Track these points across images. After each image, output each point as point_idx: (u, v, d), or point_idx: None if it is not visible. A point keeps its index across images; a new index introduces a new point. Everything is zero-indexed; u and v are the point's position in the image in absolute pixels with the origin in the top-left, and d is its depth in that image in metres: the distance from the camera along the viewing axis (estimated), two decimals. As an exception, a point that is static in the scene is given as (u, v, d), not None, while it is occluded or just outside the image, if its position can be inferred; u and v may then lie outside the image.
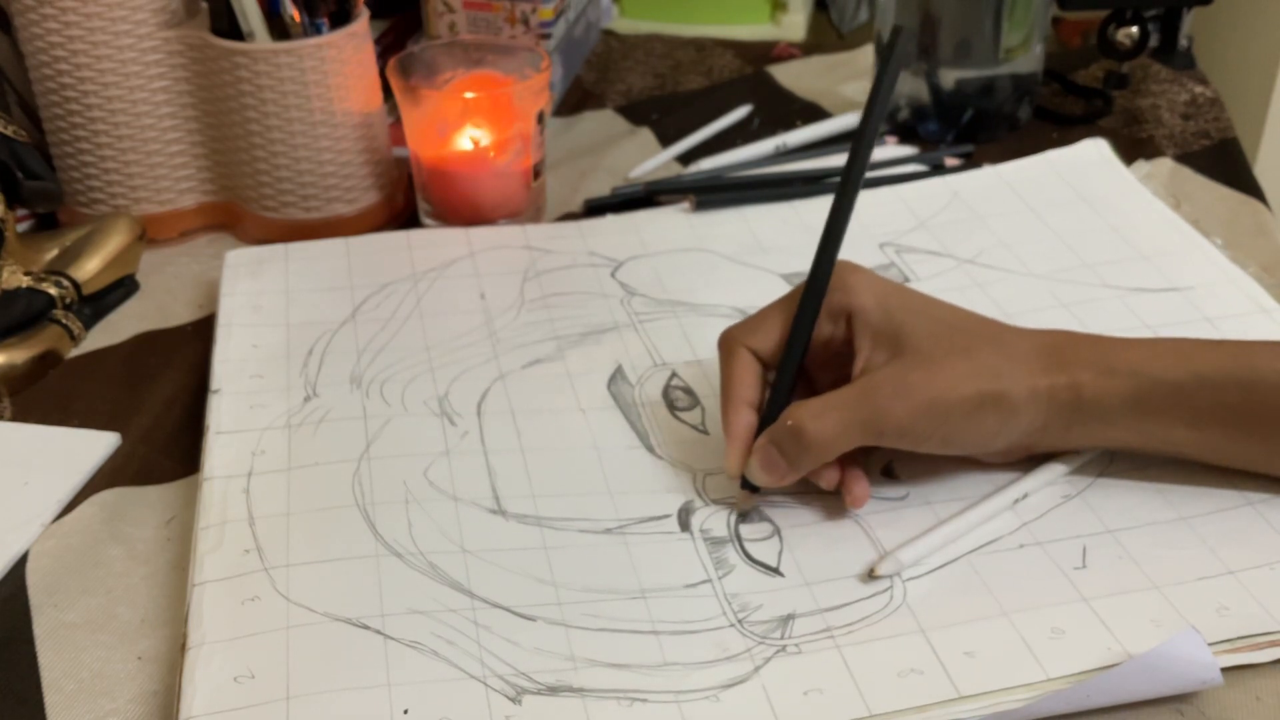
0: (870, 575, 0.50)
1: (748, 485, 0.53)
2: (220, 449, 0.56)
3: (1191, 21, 0.93)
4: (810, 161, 0.82)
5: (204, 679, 0.45)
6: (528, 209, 0.76)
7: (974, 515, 0.52)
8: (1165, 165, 0.80)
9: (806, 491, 0.54)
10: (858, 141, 0.55)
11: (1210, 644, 0.44)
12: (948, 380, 0.50)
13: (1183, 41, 0.92)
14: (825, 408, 0.50)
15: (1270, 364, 0.50)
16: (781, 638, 0.47)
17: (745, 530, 0.52)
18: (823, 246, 0.54)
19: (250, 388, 0.61)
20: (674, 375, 0.62)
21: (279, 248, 0.72)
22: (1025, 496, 0.53)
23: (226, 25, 0.70)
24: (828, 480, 0.52)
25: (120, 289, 0.71)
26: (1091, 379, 0.50)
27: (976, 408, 0.50)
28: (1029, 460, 0.54)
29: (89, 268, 0.69)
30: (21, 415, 0.62)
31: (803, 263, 0.70)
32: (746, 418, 0.53)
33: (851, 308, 0.53)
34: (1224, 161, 0.81)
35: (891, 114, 0.86)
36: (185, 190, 0.76)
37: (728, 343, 0.55)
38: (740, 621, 0.48)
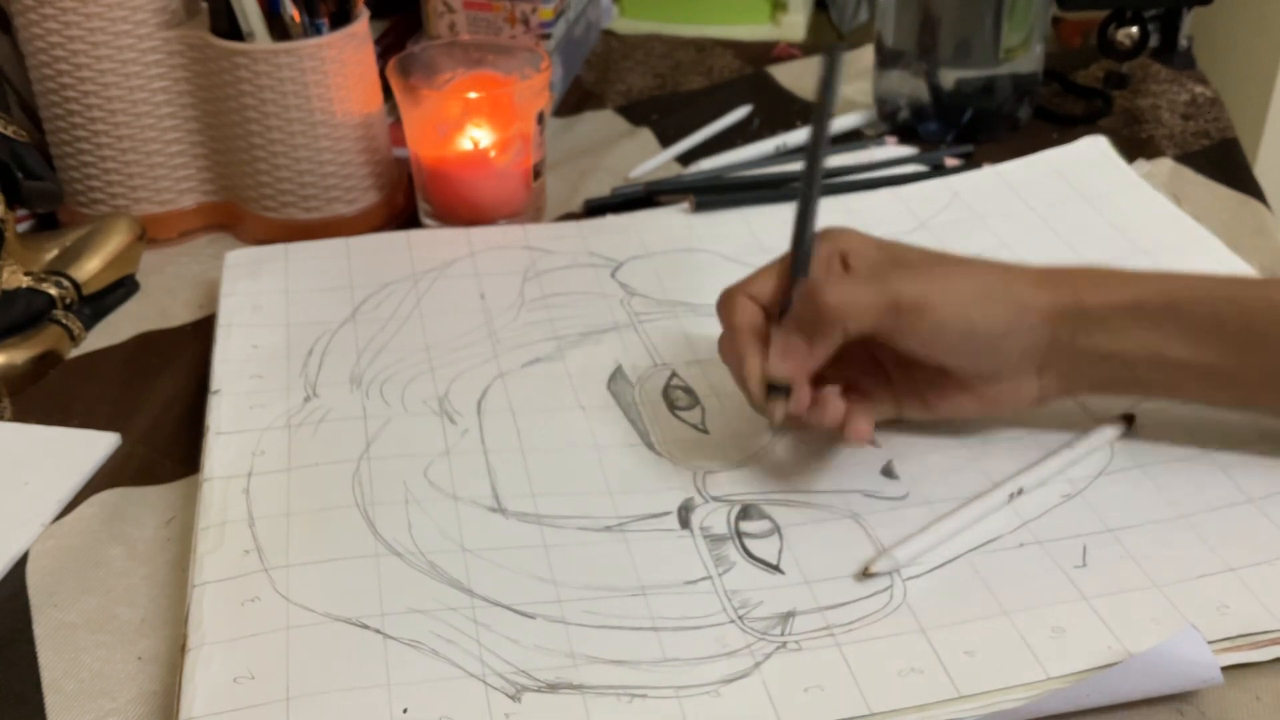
0: (865, 574, 0.50)
1: (776, 391, 0.52)
2: (220, 449, 0.56)
3: (1191, 21, 0.93)
4: (810, 161, 0.82)
5: (204, 680, 0.45)
6: (528, 209, 0.76)
7: (971, 511, 0.52)
8: (1165, 165, 0.80)
9: (807, 489, 0.54)
10: (810, 161, 0.54)
11: (1210, 642, 0.44)
12: (955, 274, 0.51)
13: (1183, 41, 0.92)
14: (840, 280, 0.51)
15: (1266, 293, 0.51)
16: (782, 634, 0.47)
17: (745, 527, 0.52)
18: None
19: (250, 388, 0.60)
20: (674, 375, 0.62)
21: (279, 248, 0.72)
22: (1020, 492, 0.53)
23: (226, 25, 0.70)
24: (832, 412, 0.52)
25: (120, 289, 0.71)
26: (1091, 289, 0.52)
27: (985, 294, 0.51)
28: (1027, 456, 0.54)
29: (89, 268, 0.69)
30: (21, 415, 0.62)
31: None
32: (758, 347, 0.53)
33: (846, 249, 0.54)
34: (1224, 161, 0.81)
35: (891, 114, 0.86)
36: (185, 190, 0.76)
37: (727, 294, 0.55)
38: (740, 618, 0.48)
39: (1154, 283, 0.52)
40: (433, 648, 0.46)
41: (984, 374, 0.53)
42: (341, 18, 0.72)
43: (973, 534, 0.51)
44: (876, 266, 0.53)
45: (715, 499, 0.54)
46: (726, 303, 0.55)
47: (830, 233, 0.55)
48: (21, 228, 0.75)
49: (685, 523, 0.53)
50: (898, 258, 0.54)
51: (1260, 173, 0.82)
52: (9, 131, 0.69)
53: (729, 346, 0.55)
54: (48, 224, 0.77)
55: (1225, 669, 0.44)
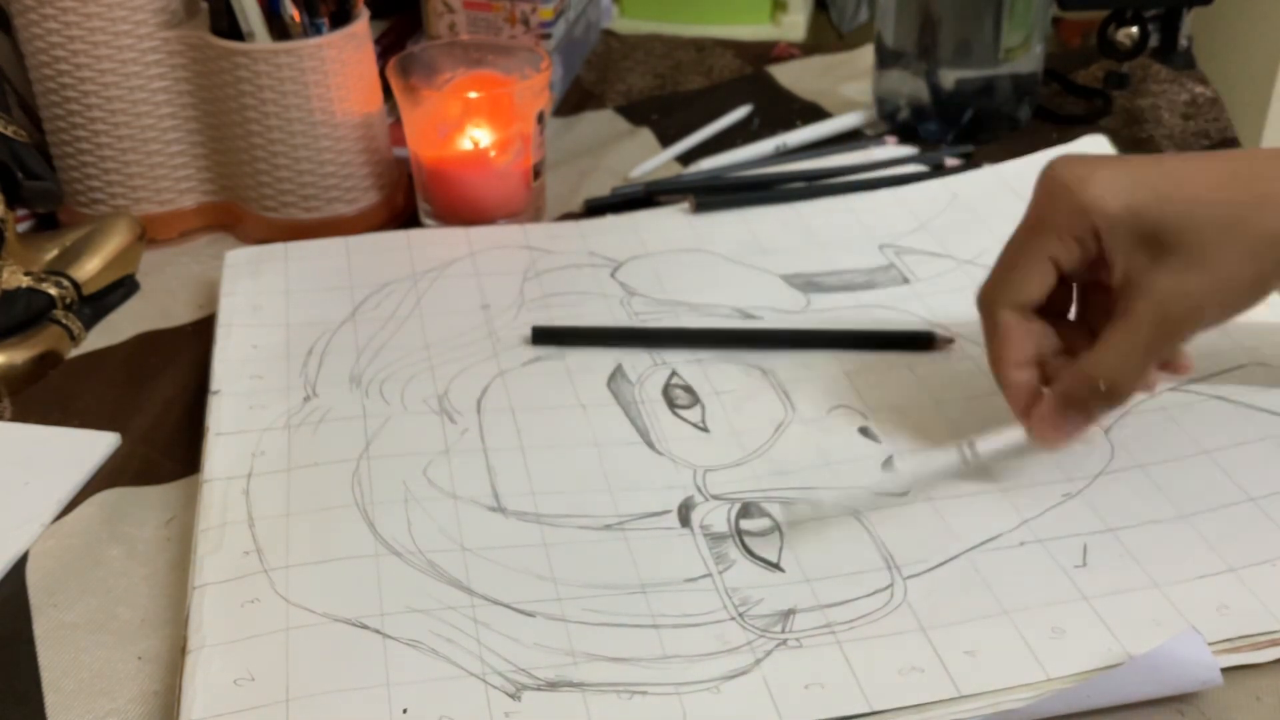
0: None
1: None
2: (220, 450, 0.56)
3: (1191, 21, 0.93)
4: (810, 161, 0.82)
5: (204, 682, 0.45)
6: (528, 209, 0.76)
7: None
8: (1165, 165, 0.80)
9: (807, 487, 0.54)
10: None
11: (1211, 643, 0.44)
12: (1228, 275, 0.48)
13: (1183, 41, 0.92)
14: (1116, 350, 0.50)
15: None
16: (782, 632, 0.47)
17: (745, 525, 0.52)
18: None
19: (250, 388, 0.60)
20: (674, 374, 0.62)
21: (279, 247, 0.72)
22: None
23: (226, 25, 0.70)
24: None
25: (120, 289, 0.71)
26: None
27: (1262, 289, 0.49)
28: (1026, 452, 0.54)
29: (89, 268, 0.69)
30: (21, 415, 0.62)
31: (803, 263, 0.70)
32: (1026, 375, 0.53)
33: (1097, 226, 0.50)
34: (1224, 161, 0.80)
35: (892, 114, 0.86)
36: (185, 190, 0.76)
37: (987, 306, 0.54)
38: (741, 615, 0.48)
39: None
40: (432, 647, 0.46)
41: None
42: (341, 18, 0.72)
43: (974, 531, 0.52)
44: (1130, 263, 0.49)
45: (715, 497, 0.54)
46: (988, 321, 0.53)
47: (1069, 190, 0.50)
48: (21, 228, 0.75)
49: (685, 521, 0.53)
50: (1156, 232, 0.48)
51: (1260, 173, 0.82)
52: (9, 131, 0.69)
53: (991, 357, 0.54)
54: (48, 224, 0.77)
55: (1225, 670, 0.44)
